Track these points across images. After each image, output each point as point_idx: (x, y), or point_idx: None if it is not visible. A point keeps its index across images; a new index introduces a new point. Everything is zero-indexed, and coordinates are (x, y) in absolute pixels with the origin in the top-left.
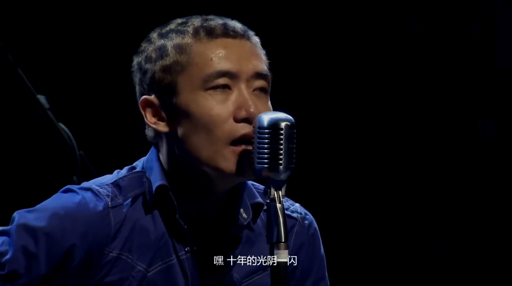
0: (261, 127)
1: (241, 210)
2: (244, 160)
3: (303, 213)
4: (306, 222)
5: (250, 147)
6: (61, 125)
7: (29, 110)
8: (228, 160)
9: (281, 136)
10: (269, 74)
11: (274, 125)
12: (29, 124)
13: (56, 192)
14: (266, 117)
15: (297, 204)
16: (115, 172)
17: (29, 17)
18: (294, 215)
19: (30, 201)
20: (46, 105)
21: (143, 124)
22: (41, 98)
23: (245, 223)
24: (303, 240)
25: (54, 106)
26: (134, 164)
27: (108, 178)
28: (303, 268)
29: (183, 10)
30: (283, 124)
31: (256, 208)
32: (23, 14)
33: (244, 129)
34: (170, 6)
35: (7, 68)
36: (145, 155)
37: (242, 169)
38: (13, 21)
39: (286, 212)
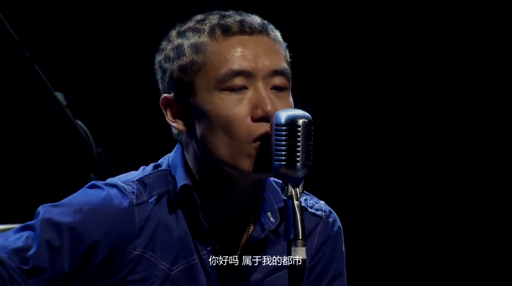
0: (278, 124)
1: (269, 213)
2: (263, 157)
3: (327, 211)
4: (330, 220)
5: (269, 145)
6: (79, 122)
7: (46, 107)
8: (249, 158)
9: (299, 133)
10: (288, 70)
11: (291, 122)
12: (47, 121)
13: (73, 189)
14: (284, 114)
15: (322, 202)
16: (141, 168)
17: (46, 14)
18: (319, 213)
19: (49, 198)
20: (64, 102)
21: (163, 122)
22: (59, 95)
23: (273, 227)
24: (326, 237)
25: (72, 103)
26: (159, 161)
27: (133, 175)
28: (324, 264)
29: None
30: (300, 121)
31: (283, 212)
32: (40, 11)
33: (262, 128)
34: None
35: (25, 65)
36: (160, 151)
37: (262, 166)
38: (30, 18)
39: (310, 210)
